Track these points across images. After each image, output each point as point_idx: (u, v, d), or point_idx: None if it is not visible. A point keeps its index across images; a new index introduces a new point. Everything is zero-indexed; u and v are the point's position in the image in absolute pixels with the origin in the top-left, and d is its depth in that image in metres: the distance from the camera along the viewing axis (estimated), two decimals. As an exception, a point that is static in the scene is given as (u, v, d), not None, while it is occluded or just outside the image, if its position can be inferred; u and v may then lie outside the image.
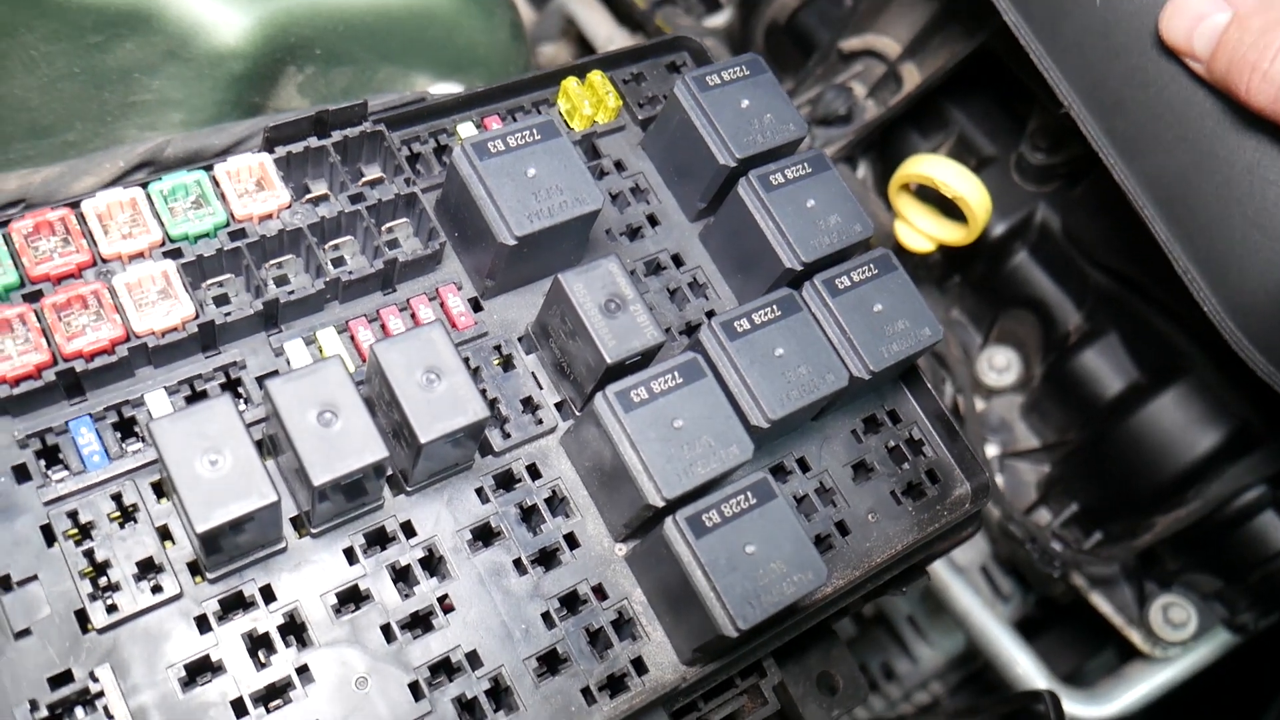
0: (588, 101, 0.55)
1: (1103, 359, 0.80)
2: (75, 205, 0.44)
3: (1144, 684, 0.85)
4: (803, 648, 0.55)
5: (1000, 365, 0.89)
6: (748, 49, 1.00)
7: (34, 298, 0.42)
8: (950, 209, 0.74)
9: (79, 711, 0.39)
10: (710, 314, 0.53)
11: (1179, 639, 0.82)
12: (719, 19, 1.03)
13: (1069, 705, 0.85)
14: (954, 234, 0.72)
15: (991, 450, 0.89)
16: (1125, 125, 0.60)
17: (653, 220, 0.55)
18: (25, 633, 0.39)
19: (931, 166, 0.67)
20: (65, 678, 0.39)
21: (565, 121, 0.55)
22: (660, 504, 0.43)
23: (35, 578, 0.40)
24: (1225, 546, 0.76)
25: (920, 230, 0.73)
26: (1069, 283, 0.83)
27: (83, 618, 0.40)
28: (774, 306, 0.48)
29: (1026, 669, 0.84)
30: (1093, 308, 0.81)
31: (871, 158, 0.91)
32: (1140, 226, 0.62)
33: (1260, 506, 0.74)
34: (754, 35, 0.98)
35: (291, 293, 0.46)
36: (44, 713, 0.38)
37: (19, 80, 0.55)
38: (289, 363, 0.46)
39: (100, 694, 0.39)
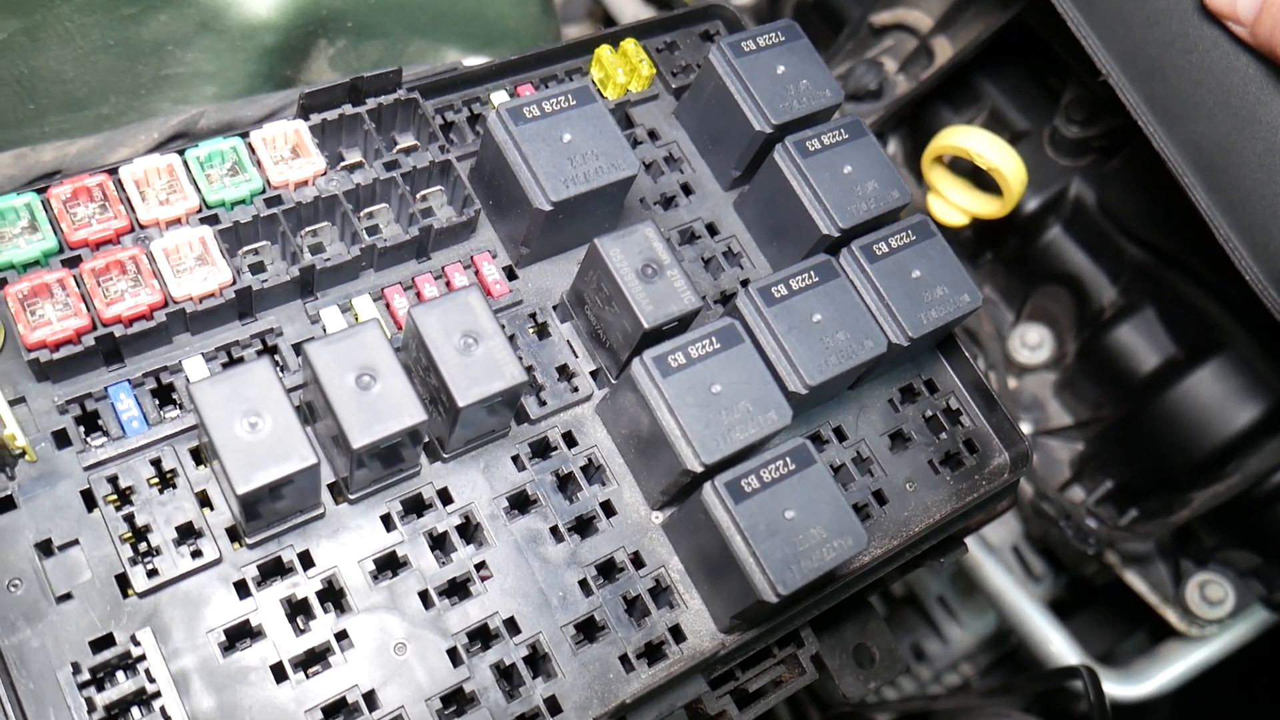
0: (621, 70, 0.54)
1: (1138, 334, 0.79)
2: (113, 171, 0.44)
3: (1180, 663, 0.85)
4: (839, 620, 0.55)
5: (1033, 343, 0.88)
6: (776, 25, 0.99)
7: (73, 263, 0.42)
8: (983, 182, 0.73)
9: (120, 675, 0.39)
10: (745, 283, 0.52)
11: (1216, 617, 0.81)
12: (747, -4, 1.03)
13: (1109, 687, 0.84)
14: (988, 206, 0.71)
15: (1024, 429, 0.88)
16: (1165, 92, 0.59)
17: (686, 189, 0.54)
18: (67, 597, 0.39)
19: (966, 138, 0.67)
20: (107, 641, 0.39)
21: (599, 90, 0.55)
22: (699, 469, 0.42)
23: (76, 542, 0.40)
24: (1263, 522, 0.75)
25: (953, 203, 0.72)
26: (1104, 258, 0.81)
27: (123, 582, 0.40)
28: (811, 273, 0.47)
29: (1060, 648, 0.83)
30: (1128, 283, 0.80)
31: (902, 133, 0.90)
32: (1178, 198, 0.61)
33: (1300, 482, 0.73)
34: (783, 10, 0.97)
35: (327, 260, 0.45)
36: (86, 675, 0.38)
37: (54, 53, 0.55)
38: (325, 330, 0.46)
39: (142, 657, 0.39)
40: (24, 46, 0.54)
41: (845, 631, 0.55)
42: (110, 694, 0.38)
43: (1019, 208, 0.84)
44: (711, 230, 0.54)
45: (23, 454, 0.41)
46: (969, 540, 0.85)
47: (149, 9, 0.56)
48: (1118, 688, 0.85)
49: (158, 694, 0.39)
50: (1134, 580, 0.84)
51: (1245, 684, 0.89)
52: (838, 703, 0.80)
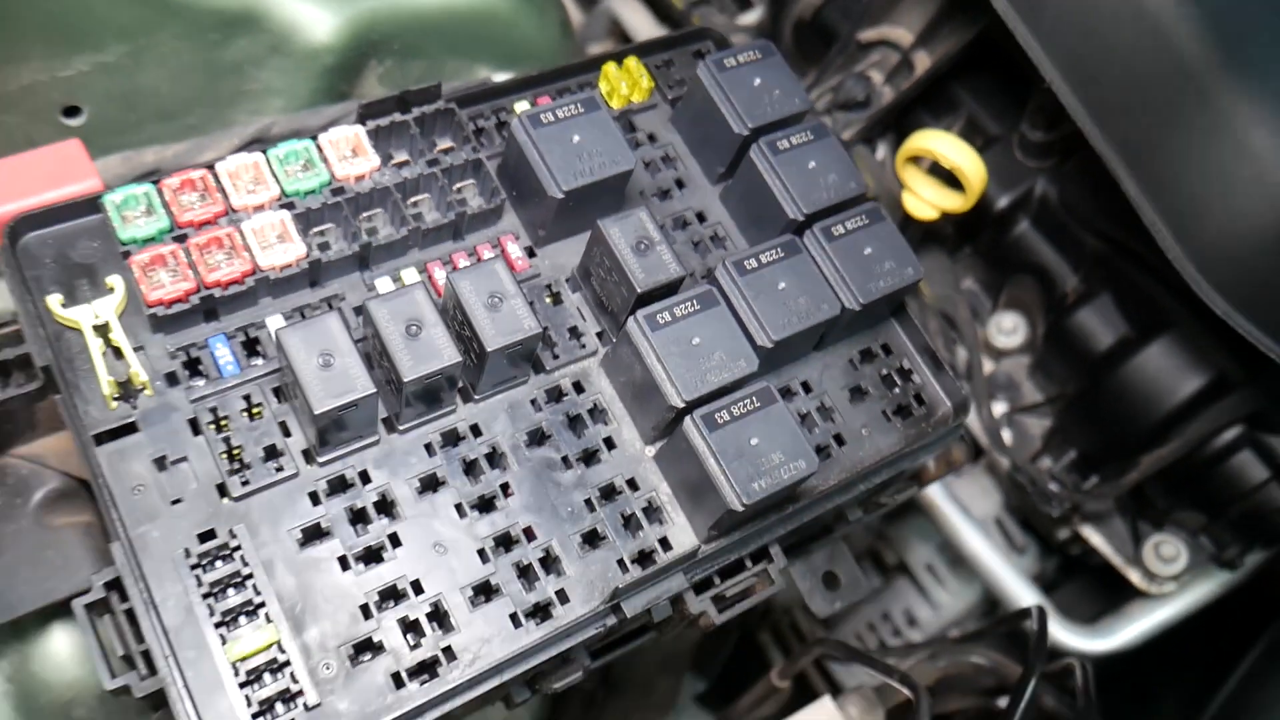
0: (625, 83, 0.64)
1: (1096, 317, 0.87)
2: (211, 167, 0.54)
3: (1144, 620, 0.93)
4: (810, 550, 0.64)
5: (1008, 328, 0.96)
6: (777, 44, 1.09)
7: (181, 239, 0.53)
8: (953, 181, 0.82)
9: (219, 563, 0.50)
10: (723, 261, 0.62)
11: (1171, 573, 0.89)
12: (750, 17, 1.13)
13: (1074, 640, 0.93)
14: (954, 202, 0.80)
15: (1000, 407, 0.97)
16: (1099, 96, 0.68)
17: (680, 183, 0.64)
18: (178, 500, 0.50)
19: (931, 140, 0.76)
20: (210, 535, 0.49)
21: (605, 100, 0.65)
22: (681, 405, 0.52)
23: (185, 459, 0.51)
24: (1207, 483, 0.83)
25: (924, 199, 0.81)
26: (1066, 249, 0.90)
27: (222, 490, 0.50)
28: (778, 249, 0.57)
29: (1029, 598, 0.92)
30: (1088, 271, 0.89)
31: (889, 139, 1.00)
32: (1123, 194, 0.69)
33: (1238, 446, 0.81)
34: (782, 31, 1.07)
35: (380, 239, 0.56)
36: (195, 560, 0.49)
37: (152, 72, 0.66)
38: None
39: (238, 548, 0.49)
40: (129, 68, 0.66)
41: (815, 560, 0.64)
42: (213, 574, 0.48)
43: (992, 205, 0.93)
44: (700, 218, 0.64)
45: (143, 389, 0.51)
46: (950, 507, 0.94)
47: (230, 35, 0.67)
48: (1085, 642, 0.93)
49: (250, 575, 0.49)
50: (1100, 544, 0.93)
51: (1204, 641, 0.97)
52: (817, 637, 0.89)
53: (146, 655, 0.48)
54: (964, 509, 0.99)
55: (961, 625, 1.12)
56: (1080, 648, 0.92)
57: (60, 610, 0.60)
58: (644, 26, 1.17)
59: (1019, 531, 1.09)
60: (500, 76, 0.78)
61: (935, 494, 0.98)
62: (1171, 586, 0.91)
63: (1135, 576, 0.92)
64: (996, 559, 0.97)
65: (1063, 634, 0.92)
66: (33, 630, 0.60)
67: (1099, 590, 1.07)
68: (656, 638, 0.62)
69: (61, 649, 0.60)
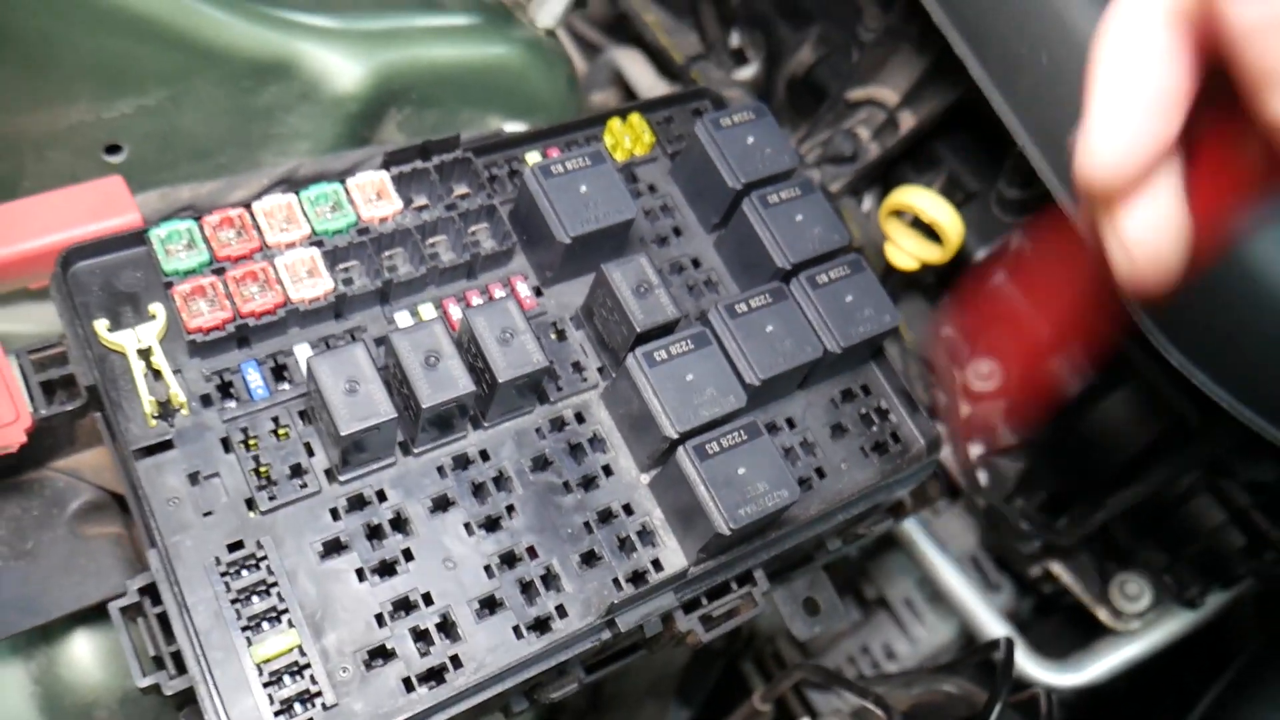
0: (628, 137, 0.70)
1: (1065, 365, 0.92)
2: (248, 206, 0.59)
3: (1111, 656, 0.97)
4: (792, 578, 0.69)
5: (984, 373, 1.01)
6: (771, 99, 1.15)
7: (219, 272, 0.57)
8: (933, 234, 0.88)
9: (246, 572, 0.54)
10: (715, 305, 0.67)
11: (1136, 611, 0.94)
12: (746, 73, 1.19)
13: (1043, 674, 0.97)
14: (933, 253, 0.86)
15: (976, 450, 1.02)
16: (1066, 161, 0.74)
17: (677, 231, 0.69)
18: (210, 512, 0.54)
19: (911, 196, 0.81)
20: (238, 545, 0.54)
21: (610, 153, 0.70)
22: (675, 435, 0.57)
23: (217, 474, 0.55)
24: (1169, 525, 0.88)
25: (906, 251, 0.87)
26: (1040, 300, 0.96)
27: (250, 504, 0.55)
28: (767, 294, 0.62)
29: (998, 630, 0.96)
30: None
31: (875, 192, 1.05)
32: (1088, 249, 0.75)
33: (1196, 490, 0.86)
34: (776, 87, 1.13)
35: (400, 277, 0.61)
36: (224, 568, 0.53)
37: (189, 115, 0.71)
38: (397, 328, 0.61)
39: (264, 558, 0.53)
40: (168, 110, 0.71)
41: (796, 586, 0.68)
42: (241, 582, 0.53)
43: (970, 257, 0.98)
44: (695, 263, 0.69)
45: (180, 409, 0.55)
46: (928, 543, 0.99)
47: (263, 82, 0.72)
48: (1056, 676, 0.97)
49: (275, 584, 0.53)
50: (1069, 581, 0.97)
51: (1170, 679, 1.01)
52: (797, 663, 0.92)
53: (176, 656, 0.52)
54: (941, 546, 1.04)
55: (937, 660, 1.16)
56: (1049, 681, 0.96)
57: (86, 616, 0.64)
58: (644, 78, 1.23)
59: (994, 569, 1.13)
60: (511, 126, 0.84)
61: (914, 530, 1.02)
62: (1137, 624, 0.95)
63: (1103, 614, 0.96)
64: (972, 594, 1.01)
65: (1032, 668, 0.96)
66: (59, 635, 0.64)
67: (1070, 628, 1.11)
68: (647, 655, 0.66)
69: (85, 653, 0.64)
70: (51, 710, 0.63)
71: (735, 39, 1.19)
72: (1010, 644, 0.76)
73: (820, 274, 0.63)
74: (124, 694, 0.64)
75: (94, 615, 0.64)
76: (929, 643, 1.15)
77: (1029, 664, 0.97)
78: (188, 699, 0.53)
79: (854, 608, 1.19)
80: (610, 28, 1.38)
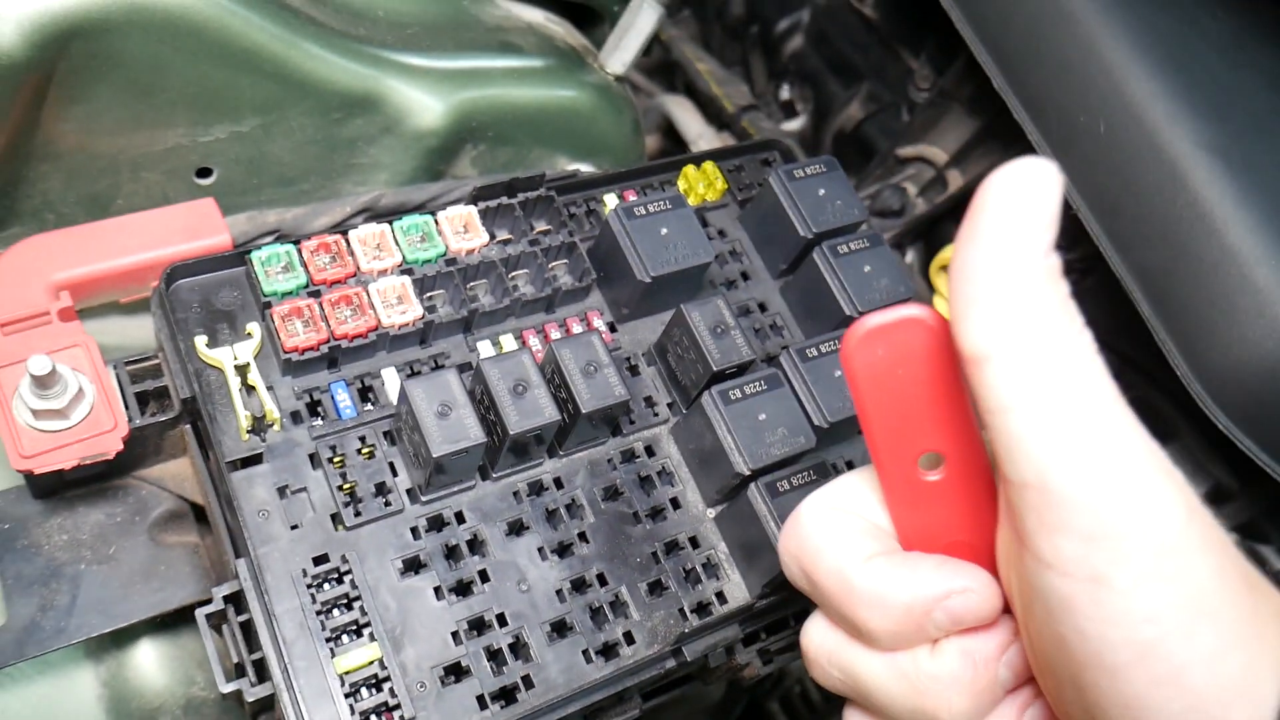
0: (701, 183, 0.72)
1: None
2: (345, 233, 0.62)
3: None
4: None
5: (1021, 428, 1.03)
6: (818, 151, 1.18)
7: (315, 295, 0.60)
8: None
9: (329, 585, 0.55)
10: (785, 348, 0.69)
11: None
12: (795, 124, 1.22)
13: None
14: (982, 308, 0.88)
15: (1011, 502, 1.04)
16: (1120, 226, 0.76)
17: (745, 276, 0.72)
18: (297, 525, 0.56)
19: (965, 252, 0.84)
20: (323, 559, 0.55)
21: (686, 200, 0.72)
22: (747, 472, 0.58)
23: (305, 489, 0.57)
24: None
25: (955, 304, 0.89)
26: (1080, 358, 0.98)
27: (336, 519, 0.56)
28: (835, 340, 0.64)
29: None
30: (1099, 380, 0.96)
31: (919, 247, 1.08)
32: (1136, 314, 0.77)
33: (1232, 552, 0.88)
34: (824, 139, 1.16)
35: (484, 307, 0.63)
36: (309, 580, 0.54)
37: (279, 143, 0.74)
38: (479, 357, 0.63)
39: (348, 571, 0.55)
40: (259, 137, 0.73)
41: (847, 626, 0.70)
42: (326, 594, 0.54)
43: (1012, 313, 1.00)
44: (762, 308, 0.71)
45: (273, 425, 0.58)
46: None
47: (350, 115, 0.75)
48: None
49: (358, 597, 0.55)
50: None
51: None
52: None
53: (258, 664, 0.54)
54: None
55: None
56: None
57: (155, 623, 0.65)
58: (693, 125, 1.26)
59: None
60: (577, 166, 0.86)
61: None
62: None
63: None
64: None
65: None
66: (128, 640, 0.65)
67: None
68: (699, 686, 0.68)
69: (151, 660, 0.66)
70: (118, 713, 0.64)
71: (785, 91, 1.23)
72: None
73: (886, 323, 0.65)
74: (187, 701, 0.66)
75: (162, 623, 0.66)
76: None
77: None
78: (265, 707, 0.55)
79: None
80: (659, 74, 1.42)
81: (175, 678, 0.66)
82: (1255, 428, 0.71)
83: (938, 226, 1.05)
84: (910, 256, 1.08)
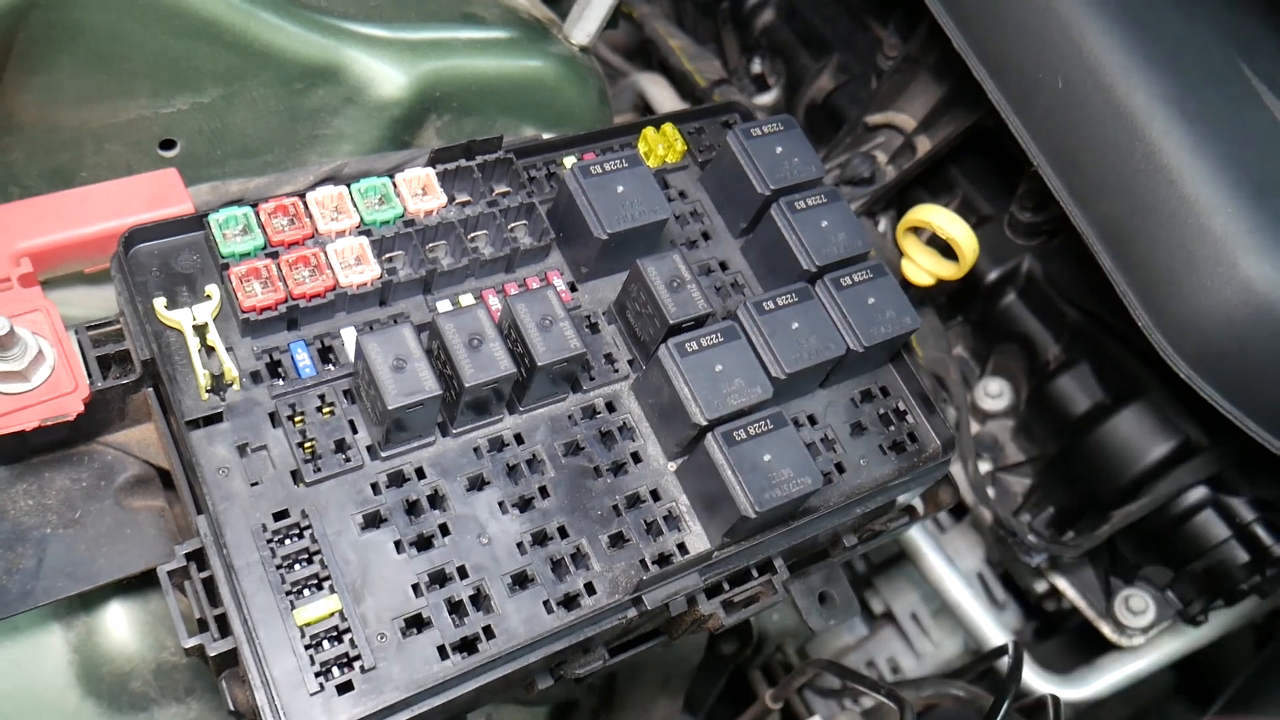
0: (661, 145, 0.73)
1: (1074, 383, 0.95)
2: (302, 196, 0.62)
3: (1115, 671, 0.99)
4: (809, 572, 0.71)
5: (994, 392, 1.04)
6: (790, 122, 1.19)
7: (273, 256, 0.60)
8: (948, 252, 0.91)
9: (290, 540, 0.56)
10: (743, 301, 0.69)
11: (1139, 625, 0.95)
12: (767, 98, 1.22)
13: (1048, 687, 0.98)
14: (948, 270, 0.88)
15: (985, 466, 1.04)
16: (1080, 180, 0.77)
17: (706, 236, 0.72)
18: (257, 483, 0.56)
19: (930, 213, 0.84)
20: (283, 514, 0.56)
21: (643, 160, 0.73)
22: (704, 423, 0.59)
23: (265, 446, 0.57)
24: (1173, 540, 0.90)
25: (922, 267, 0.89)
26: (1049, 320, 0.98)
27: (296, 476, 0.57)
28: (793, 294, 0.64)
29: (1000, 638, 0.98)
30: (1068, 341, 0.97)
31: (890, 214, 1.08)
32: (1101, 271, 0.77)
33: (1201, 506, 0.88)
34: (796, 112, 1.16)
35: (443, 267, 0.63)
36: (269, 535, 0.55)
37: (241, 114, 0.74)
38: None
39: (308, 527, 0.56)
40: (221, 108, 0.74)
41: (813, 580, 0.71)
42: (286, 548, 0.55)
43: (982, 278, 1.01)
44: (723, 266, 0.71)
45: (232, 384, 0.58)
46: (936, 556, 1.01)
47: (312, 85, 0.76)
48: (1060, 689, 0.99)
49: (318, 551, 0.55)
50: (1074, 596, 0.99)
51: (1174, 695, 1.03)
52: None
53: (220, 620, 0.54)
54: (949, 559, 1.06)
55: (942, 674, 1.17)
56: (1052, 693, 0.97)
57: (125, 588, 0.66)
58: (667, 101, 1.27)
59: (999, 587, 1.15)
60: (547, 135, 0.87)
61: (922, 544, 1.04)
62: (1140, 639, 0.97)
63: (1106, 629, 0.98)
64: (979, 608, 1.03)
65: (1037, 681, 0.98)
66: (97, 605, 0.66)
67: (1073, 646, 1.13)
68: (665, 645, 0.68)
69: (122, 624, 0.66)
70: (89, 678, 0.65)
71: (757, 65, 1.23)
72: (1019, 646, 0.77)
73: (844, 276, 0.66)
74: (159, 665, 0.66)
75: (132, 587, 0.66)
76: (934, 658, 1.17)
77: (1033, 677, 0.99)
78: (228, 662, 0.55)
79: (860, 621, 1.20)
80: (632, 54, 1.42)
81: (146, 643, 0.66)
82: (1216, 376, 0.72)
83: (908, 192, 1.06)
84: (883, 225, 1.09)
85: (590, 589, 0.58)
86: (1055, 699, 0.76)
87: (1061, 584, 0.99)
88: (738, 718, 0.94)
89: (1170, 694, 1.21)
